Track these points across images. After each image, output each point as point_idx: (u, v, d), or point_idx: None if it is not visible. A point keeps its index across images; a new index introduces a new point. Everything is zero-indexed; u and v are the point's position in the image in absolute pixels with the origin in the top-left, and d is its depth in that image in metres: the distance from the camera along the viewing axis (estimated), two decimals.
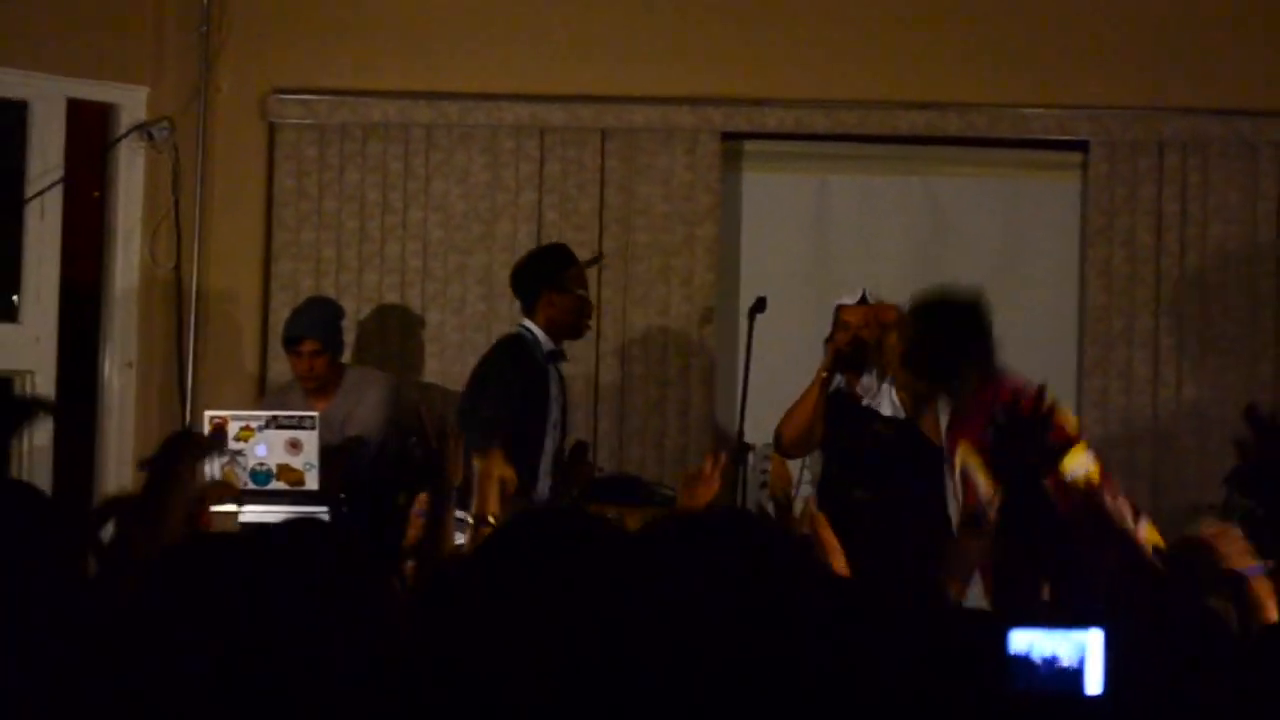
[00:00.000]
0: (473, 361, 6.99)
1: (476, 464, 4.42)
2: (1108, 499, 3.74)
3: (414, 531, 4.34)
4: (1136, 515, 4.92)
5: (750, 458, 6.54)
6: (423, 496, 4.23)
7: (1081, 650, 2.72)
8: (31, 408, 3.39)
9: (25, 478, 5.43)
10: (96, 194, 7.74)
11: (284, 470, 6.59)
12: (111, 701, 2.36)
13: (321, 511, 6.24)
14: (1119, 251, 7.59)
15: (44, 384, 7.45)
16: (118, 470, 7.49)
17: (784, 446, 6.51)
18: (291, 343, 7.06)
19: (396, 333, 7.67)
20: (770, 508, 5.18)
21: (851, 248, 7.65)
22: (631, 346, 7.62)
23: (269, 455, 6.59)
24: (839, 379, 6.54)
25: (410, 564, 4.10)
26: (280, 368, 7.42)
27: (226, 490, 6.23)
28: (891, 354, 6.27)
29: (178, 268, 7.61)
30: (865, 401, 6.45)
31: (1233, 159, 7.60)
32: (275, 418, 6.66)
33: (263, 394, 7.51)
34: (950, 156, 7.73)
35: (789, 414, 6.53)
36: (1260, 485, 3.62)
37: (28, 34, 7.38)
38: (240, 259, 7.67)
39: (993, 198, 7.74)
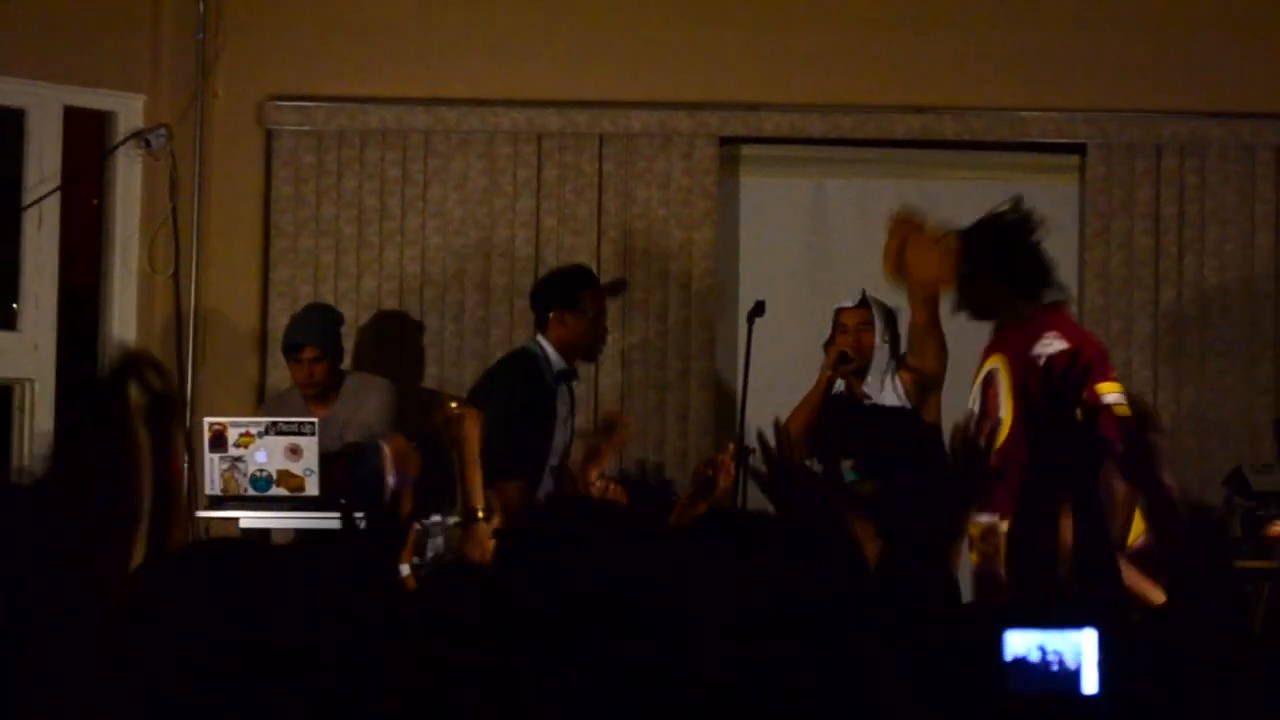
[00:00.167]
0: (472, 366, 6.98)
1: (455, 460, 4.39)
2: (1154, 436, 3.68)
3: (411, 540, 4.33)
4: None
5: (750, 461, 6.53)
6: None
7: (1078, 650, 2.73)
8: (129, 366, 3.32)
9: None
10: (94, 201, 7.74)
11: (284, 476, 6.59)
12: (112, 701, 2.37)
13: (331, 517, 6.21)
14: (1117, 254, 7.60)
15: (43, 392, 7.45)
16: None
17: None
18: (291, 349, 7.06)
19: (395, 339, 7.67)
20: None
21: (849, 251, 7.63)
22: (631, 351, 7.62)
23: (269, 461, 6.59)
24: (839, 383, 6.55)
25: (408, 569, 4.09)
26: (279, 374, 7.41)
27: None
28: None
29: (176, 275, 7.60)
30: (868, 402, 6.46)
31: (1231, 161, 7.60)
32: (275, 424, 6.66)
33: (262, 400, 7.50)
34: (947, 160, 7.73)
35: (792, 416, 6.53)
36: None
37: (24, 42, 7.38)
38: (238, 266, 7.67)
39: (990, 201, 7.70)
